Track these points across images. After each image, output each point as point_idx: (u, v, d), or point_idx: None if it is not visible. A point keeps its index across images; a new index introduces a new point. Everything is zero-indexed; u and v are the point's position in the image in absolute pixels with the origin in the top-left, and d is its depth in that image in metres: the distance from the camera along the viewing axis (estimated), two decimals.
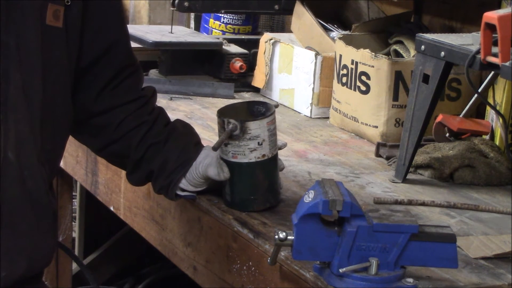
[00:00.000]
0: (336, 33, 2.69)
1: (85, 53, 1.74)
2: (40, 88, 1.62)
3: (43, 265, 1.71)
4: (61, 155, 1.78)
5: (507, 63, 1.68)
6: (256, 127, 1.72)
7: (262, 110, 1.77)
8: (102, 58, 1.76)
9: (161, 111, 1.87)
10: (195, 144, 1.84)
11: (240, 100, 2.68)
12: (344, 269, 1.43)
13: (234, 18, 3.08)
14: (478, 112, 2.31)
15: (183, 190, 1.81)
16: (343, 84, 2.39)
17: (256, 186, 1.76)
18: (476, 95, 2.18)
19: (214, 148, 1.72)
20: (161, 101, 2.54)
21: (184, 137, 1.84)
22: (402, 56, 2.42)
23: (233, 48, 2.80)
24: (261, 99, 2.72)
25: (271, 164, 1.77)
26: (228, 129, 1.71)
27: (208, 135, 2.27)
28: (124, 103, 1.81)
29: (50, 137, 1.67)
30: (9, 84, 1.56)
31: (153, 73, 2.82)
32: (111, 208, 2.27)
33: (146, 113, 1.83)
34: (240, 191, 1.77)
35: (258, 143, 1.73)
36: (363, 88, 2.32)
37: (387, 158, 2.18)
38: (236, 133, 1.71)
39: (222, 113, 1.75)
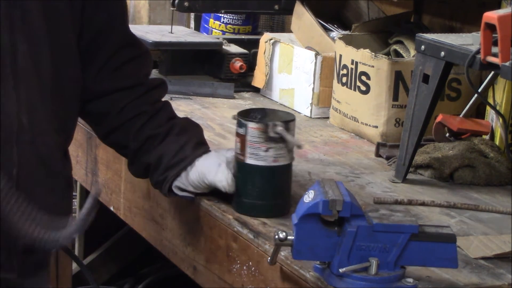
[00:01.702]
0: (336, 33, 2.69)
1: (86, 29, 1.79)
2: (49, 57, 1.68)
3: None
4: (75, 124, 1.84)
5: (507, 63, 1.68)
6: (294, 128, 1.73)
7: (258, 116, 1.76)
8: (100, 35, 1.81)
9: (166, 104, 1.89)
10: (196, 144, 1.83)
11: (241, 101, 2.69)
12: (344, 269, 1.43)
13: (234, 18, 3.08)
14: (478, 112, 2.31)
15: (183, 189, 1.81)
16: (343, 84, 2.39)
17: (286, 189, 1.77)
18: (476, 95, 2.17)
19: (299, 146, 1.71)
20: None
21: (186, 134, 1.84)
22: (402, 56, 2.42)
23: (233, 48, 2.80)
24: (261, 99, 2.72)
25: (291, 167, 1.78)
26: (289, 133, 1.69)
27: (208, 135, 2.27)
28: (123, 88, 1.84)
29: (62, 106, 1.74)
30: (17, 54, 1.63)
31: (153, 73, 2.81)
32: (111, 208, 2.27)
33: (146, 103, 1.85)
34: (272, 195, 1.75)
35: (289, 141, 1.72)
36: (363, 88, 2.32)
37: (387, 158, 2.18)
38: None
39: (261, 119, 1.73)
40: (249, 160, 1.73)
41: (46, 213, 1.66)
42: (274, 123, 1.70)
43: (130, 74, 1.86)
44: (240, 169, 1.74)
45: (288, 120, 1.72)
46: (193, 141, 1.83)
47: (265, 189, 1.74)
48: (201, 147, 1.84)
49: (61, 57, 1.72)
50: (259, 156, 1.72)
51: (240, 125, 1.73)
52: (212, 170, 1.76)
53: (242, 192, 1.75)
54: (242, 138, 1.73)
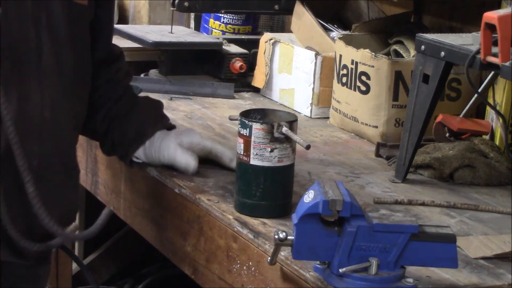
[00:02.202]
0: (336, 33, 2.69)
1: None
2: (71, 56, 1.78)
3: (69, 221, 1.89)
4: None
5: (507, 63, 1.68)
6: (297, 128, 1.73)
7: (258, 116, 1.76)
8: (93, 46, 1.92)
9: (128, 88, 2.04)
10: (155, 119, 2.00)
11: (241, 101, 2.69)
12: (344, 269, 1.43)
13: (234, 18, 3.08)
14: (478, 112, 2.31)
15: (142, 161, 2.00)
16: (343, 84, 2.39)
17: (290, 188, 1.77)
18: (476, 95, 2.18)
19: (308, 146, 1.71)
20: (161, 101, 2.53)
21: (145, 112, 2.00)
22: (402, 56, 2.42)
23: (233, 48, 2.80)
24: (261, 99, 2.72)
25: None
26: (293, 133, 1.70)
27: (208, 135, 2.27)
28: (99, 85, 1.98)
29: (79, 105, 1.85)
30: (42, 50, 1.71)
31: (153, 73, 2.81)
32: (111, 208, 2.27)
33: (113, 92, 2.00)
34: (277, 195, 1.75)
35: (296, 142, 1.72)
36: (363, 88, 2.32)
37: (387, 158, 2.18)
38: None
39: (261, 119, 1.74)
40: (254, 161, 1.72)
41: (60, 203, 1.78)
42: (279, 123, 1.70)
43: (107, 76, 2.00)
44: (244, 170, 1.74)
45: (292, 120, 1.72)
46: (152, 117, 1.99)
47: (270, 189, 1.74)
48: (160, 122, 2.00)
49: (80, 59, 1.81)
50: (264, 156, 1.72)
51: (243, 126, 1.72)
52: (170, 147, 1.94)
53: (245, 193, 1.75)
54: (246, 139, 1.72)
